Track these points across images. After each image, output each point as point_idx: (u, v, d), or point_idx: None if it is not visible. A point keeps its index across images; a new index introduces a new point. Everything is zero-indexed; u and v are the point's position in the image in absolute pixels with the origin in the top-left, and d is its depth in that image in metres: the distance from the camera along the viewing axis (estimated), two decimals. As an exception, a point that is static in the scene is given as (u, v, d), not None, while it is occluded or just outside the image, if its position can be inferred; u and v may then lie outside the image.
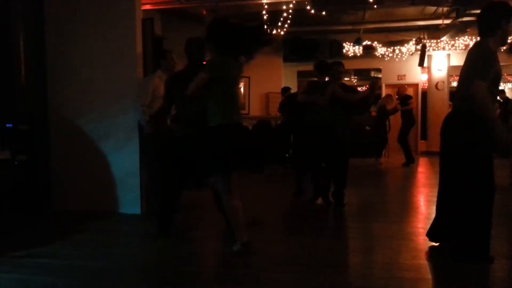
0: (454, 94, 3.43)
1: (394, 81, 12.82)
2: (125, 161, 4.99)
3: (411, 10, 9.46)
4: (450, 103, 10.84)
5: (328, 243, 4.12)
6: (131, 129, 4.95)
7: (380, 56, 11.85)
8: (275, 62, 11.41)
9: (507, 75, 12.15)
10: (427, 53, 10.98)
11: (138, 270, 3.37)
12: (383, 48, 11.57)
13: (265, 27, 3.50)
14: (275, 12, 7.96)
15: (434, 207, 3.69)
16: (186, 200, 5.07)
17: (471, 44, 10.45)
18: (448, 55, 11.99)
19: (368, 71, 13.56)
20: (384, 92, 12.77)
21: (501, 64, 3.22)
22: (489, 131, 3.11)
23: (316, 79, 5.55)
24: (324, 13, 7.99)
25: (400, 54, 11.72)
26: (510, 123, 7.71)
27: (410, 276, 3.13)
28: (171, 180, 4.17)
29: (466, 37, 10.56)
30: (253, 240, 3.55)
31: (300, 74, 12.81)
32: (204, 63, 3.95)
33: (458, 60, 11.46)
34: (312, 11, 7.76)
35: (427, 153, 11.78)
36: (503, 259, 3.43)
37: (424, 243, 3.78)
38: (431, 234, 3.62)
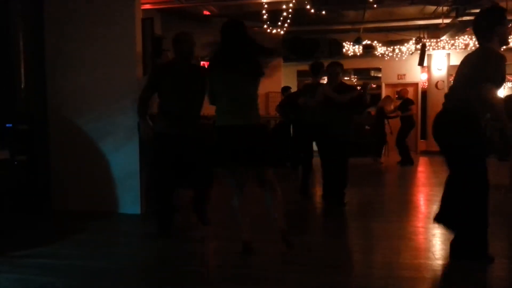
0: (446, 95, 3.43)
1: (394, 80, 12.82)
2: (125, 161, 4.98)
3: (411, 10, 9.46)
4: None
5: (328, 243, 4.12)
6: (131, 129, 4.94)
7: (380, 55, 11.85)
8: (275, 61, 11.38)
9: (507, 74, 12.18)
10: (427, 53, 10.98)
11: (138, 270, 3.37)
12: (383, 47, 11.57)
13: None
14: (275, 11, 7.96)
15: (434, 206, 3.69)
16: (186, 200, 5.07)
17: (471, 43, 10.49)
18: (448, 54, 11.99)
19: (368, 70, 13.56)
20: (383, 91, 12.78)
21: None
22: (482, 131, 3.20)
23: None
24: (324, 12, 7.99)
25: (400, 53, 11.72)
26: None
27: (410, 275, 3.13)
28: (163, 178, 4.17)
29: (466, 36, 10.56)
30: (253, 240, 3.55)
31: (300, 74, 12.79)
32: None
33: (458, 59, 11.37)
34: (312, 11, 7.76)
35: (427, 153, 11.78)
36: (503, 259, 3.43)
37: (424, 242, 3.78)
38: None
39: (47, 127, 5.17)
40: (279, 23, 8.51)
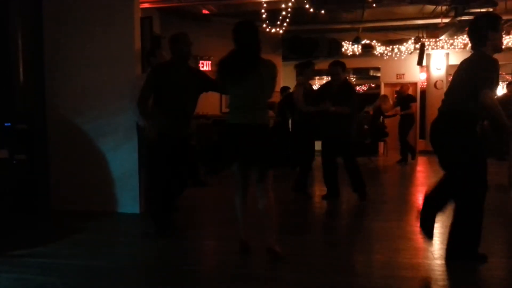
0: (442, 100, 3.46)
1: (393, 80, 12.82)
2: (124, 160, 4.98)
3: (410, 9, 9.46)
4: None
5: (328, 242, 4.13)
6: (130, 128, 4.93)
7: (379, 55, 11.84)
8: (274, 61, 11.18)
9: (506, 74, 12.15)
10: (426, 52, 10.97)
11: (138, 270, 3.36)
12: (382, 47, 11.57)
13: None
14: (274, 10, 7.95)
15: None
16: (186, 200, 5.07)
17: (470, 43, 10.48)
18: (447, 54, 11.99)
19: (367, 70, 13.56)
20: (382, 91, 12.77)
21: (499, 63, 3.28)
22: (477, 133, 3.30)
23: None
24: (323, 11, 7.99)
25: (399, 53, 11.71)
26: None
27: (410, 275, 3.13)
28: (161, 178, 4.18)
29: (465, 36, 10.55)
30: (253, 240, 3.55)
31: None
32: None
33: (457, 59, 11.44)
34: (311, 10, 7.75)
35: (426, 152, 11.78)
36: (503, 259, 3.44)
37: (423, 242, 3.78)
38: None
39: (46, 127, 5.16)
40: (278, 23, 8.51)
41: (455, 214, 3.30)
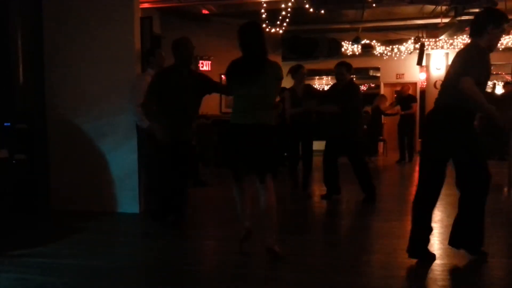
0: (438, 92, 3.43)
1: (393, 80, 12.82)
2: (123, 160, 4.97)
3: (409, 9, 9.47)
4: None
5: (328, 242, 4.13)
6: (129, 128, 4.93)
7: (378, 55, 11.85)
8: (274, 61, 11.36)
9: (505, 74, 12.17)
10: (425, 52, 10.97)
11: (138, 270, 3.36)
12: (381, 46, 11.57)
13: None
14: (273, 10, 7.96)
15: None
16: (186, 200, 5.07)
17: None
18: (447, 54, 11.98)
19: (366, 70, 13.55)
20: (382, 91, 12.77)
21: (497, 63, 3.25)
22: (472, 126, 3.27)
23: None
24: (322, 11, 7.99)
25: (398, 53, 11.72)
26: None
27: (410, 275, 3.13)
28: (161, 180, 4.20)
29: (465, 36, 10.54)
30: (253, 240, 3.55)
31: (299, 73, 12.76)
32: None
33: (457, 59, 11.45)
34: (311, 10, 7.75)
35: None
36: (503, 258, 3.44)
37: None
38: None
39: (46, 127, 5.15)
40: (278, 22, 8.51)
41: (460, 205, 3.27)
